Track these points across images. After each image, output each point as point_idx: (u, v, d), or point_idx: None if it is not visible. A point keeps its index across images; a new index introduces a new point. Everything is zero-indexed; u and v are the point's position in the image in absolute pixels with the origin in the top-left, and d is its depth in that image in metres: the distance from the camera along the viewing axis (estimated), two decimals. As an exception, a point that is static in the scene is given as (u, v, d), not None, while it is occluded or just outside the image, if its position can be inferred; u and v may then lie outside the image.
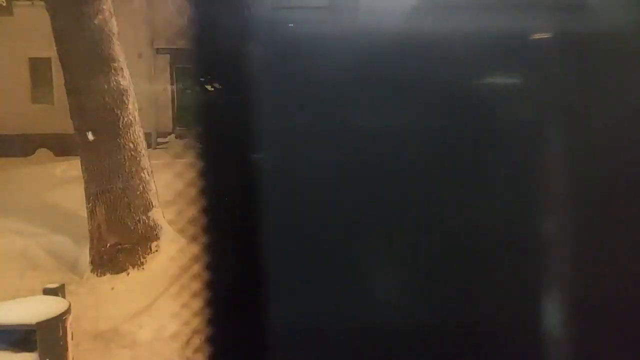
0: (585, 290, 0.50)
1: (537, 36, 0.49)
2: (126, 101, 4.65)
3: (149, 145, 5.30)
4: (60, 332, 2.55)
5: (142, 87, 8.63)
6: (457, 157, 0.50)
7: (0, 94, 10.64)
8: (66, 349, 2.59)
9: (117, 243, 4.56)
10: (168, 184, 6.02)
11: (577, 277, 0.50)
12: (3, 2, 6.48)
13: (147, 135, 5.19)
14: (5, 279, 4.30)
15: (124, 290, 4.34)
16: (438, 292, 0.51)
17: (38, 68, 11.40)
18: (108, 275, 4.51)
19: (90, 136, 4.54)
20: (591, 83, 0.50)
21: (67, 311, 2.63)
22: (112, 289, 4.37)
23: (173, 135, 11.82)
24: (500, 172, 0.51)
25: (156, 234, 4.73)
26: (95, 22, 4.49)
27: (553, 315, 0.49)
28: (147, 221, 4.69)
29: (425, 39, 0.50)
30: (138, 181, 4.68)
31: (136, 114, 4.76)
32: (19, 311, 2.60)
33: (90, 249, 4.63)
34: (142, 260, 4.60)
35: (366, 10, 0.56)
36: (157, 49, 11.49)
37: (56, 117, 10.30)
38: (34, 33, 9.31)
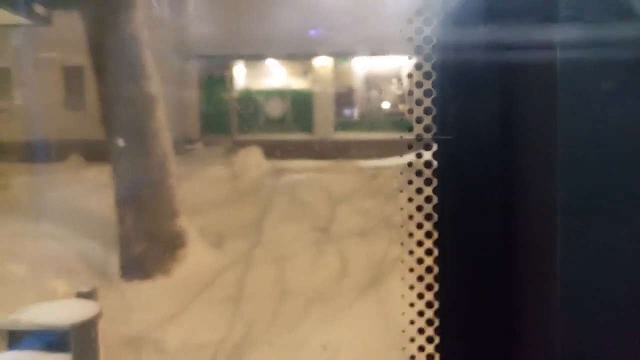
0: None
1: None
2: (155, 108, 4.73)
3: (176, 152, 5.39)
4: (93, 334, 2.59)
5: (171, 94, 8.80)
6: None
7: (36, 101, 11.03)
8: (97, 351, 2.63)
9: (145, 249, 4.62)
10: (198, 190, 6.09)
11: None
12: (42, 11, 6.71)
13: (175, 142, 5.28)
14: (39, 282, 4.41)
15: (151, 296, 4.39)
16: None
17: (71, 76, 11.79)
18: (136, 281, 4.57)
19: (121, 142, 4.63)
20: None
21: (99, 314, 2.68)
22: (140, 294, 4.43)
23: (200, 142, 12.01)
24: None
25: (182, 241, 4.78)
26: (127, 30, 4.59)
27: None
28: (174, 228, 4.74)
29: None
30: (166, 187, 4.74)
31: (164, 120, 4.84)
32: (54, 313, 2.65)
33: (120, 254, 4.71)
34: (168, 266, 4.65)
35: None
36: (186, 57, 11.72)
37: (88, 123, 10.60)
38: (69, 42, 9.63)
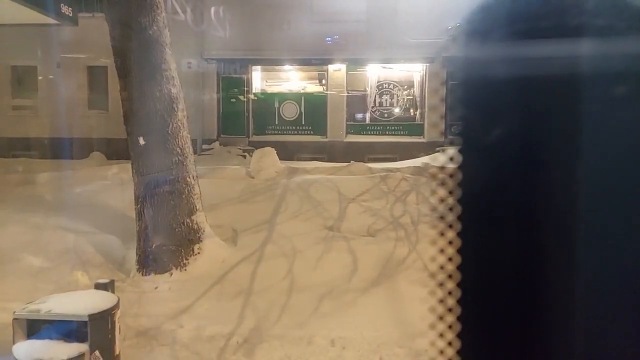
0: None
1: None
2: (176, 108, 4.83)
3: (194, 151, 5.47)
4: (110, 325, 2.66)
5: (191, 95, 8.94)
6: None
7: (62, 100, 11.32)
8: (114, 342, 2.70)
9: (162, 244, 4.72)
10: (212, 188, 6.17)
11: None
12: (69, 12, 6.89)
13: (193, 142, 5.38)
14: (58, 273, 4.54)
15: (167, 290, 4.48)
16: None
17: (95, 76, 12.06)
18: (152, 275, 4.67)
19: (141, 141, 4.72)
20: None
21: (116, 306, 2.75)
22: (156, 288, 4.52)
23: (217, 142, 12.16)
24: None
25: (199, 237, 4.86)
26: (150, 32, 4.70)
27: None
28: (190, 224, 4.83)
29: None
30: (184, 185, 4.84)
31: (184, 120, 4.93)
32: (73, 304, 2.73)
33: (137, 248, 4.81)
34: (185, 261, 4.74)
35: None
36: (206, 59, 11.90)
37: (110, 122, 10.84)
38: (93, 43, 9.88)
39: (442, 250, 0.57)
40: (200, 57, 11.75)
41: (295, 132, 12.52)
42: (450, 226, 0.57)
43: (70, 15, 7.85)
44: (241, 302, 4.13)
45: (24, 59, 11.93)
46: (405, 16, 10.77)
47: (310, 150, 11.92)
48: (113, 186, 6.95)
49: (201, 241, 4.85)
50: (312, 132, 12.52)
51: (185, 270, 4.71)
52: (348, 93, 12.43)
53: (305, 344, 3.60)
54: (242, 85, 12.54)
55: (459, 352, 0.57)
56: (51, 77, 12.02)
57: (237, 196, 6.42)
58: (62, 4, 7.74)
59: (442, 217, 0.57)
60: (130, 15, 4.68)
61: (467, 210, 0.56)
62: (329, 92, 12.43)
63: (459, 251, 0.56)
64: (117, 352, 2.73)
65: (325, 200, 6.07)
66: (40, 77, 12.25)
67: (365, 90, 12.56)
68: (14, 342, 2.61)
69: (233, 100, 12.53)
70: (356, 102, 12.55)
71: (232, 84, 12.53)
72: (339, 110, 12.38)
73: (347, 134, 12.40)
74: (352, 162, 8.71)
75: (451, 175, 0.57)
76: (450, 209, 0.57)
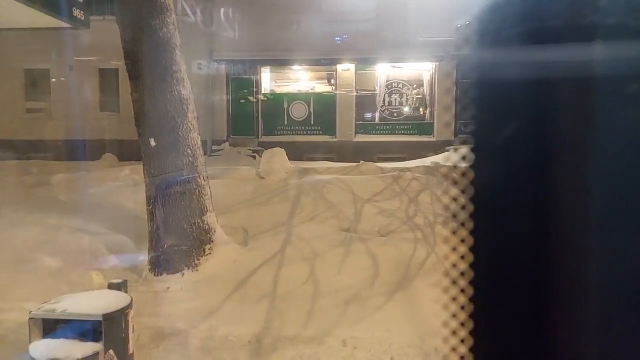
0: None
1: None
2: (186, 110, 4.86)
3: (205, 153, 5.51)
4: (124, 325, 2.69)
5: (201, 97, 9.00)
6: None
7: (74, 102, 11.46)
8: (128, 341, 2.73)
9: (174, 245, 4.76)
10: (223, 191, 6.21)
11: None
12: (82, 16, 6.98)
13: (204, 143, 5.40)
14: (72, 273, 4.60)
15: (179, 290, 4.52)
16: None
17: (107, 78, 12.19)
18: (165, 275, 4.71)
19: (153, 142, 4.77)
20: None
21: (130, 306, 2.78)
22: (168, 288, 4.56)
23: (227, 143, 12.22)
24: None
25: (210, 238, 4.89)
26: (161, 35, 4.74)
27: None
28: (202, 225, 4.86)
29: None
30: (195, 186, 4.87)
31: (195, 122, 4.97)
32: (87, 304, 2.76)
33: (149, 249, 4.85)
34: (196, 262, 4.77)
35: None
36: (215, 60, 11.97)
37: (122, 124, 10.96)
38: (104, 46, 9.98)
39: (454, 249, 0.58)
40: (209, 59, 11.82)
41: (305, 132, 12.53)
42: (463, 225, 0.57)
43: (83, 19, 7.94)
44: (253, 303, 4.15)
45: (37, 63, 12.10)
46: (415, 15, 10.74)
47: (320, 150, 11.93)
48: (125, 187, 7.02)
49: (212, 242, 4.88)
50: (321, 132, 12.53)
51: (197, 270, 4.74)
52: (357, 93, 12.41)
53: (318, 344, 3.60)
54: (252, 86, 12.59)
55: (471, 350, 0.57)
56: (64, 80, 12.18)
57: (247, 197, 6.45)
58: (74, 8, 7.83)
59: (454, 216, 0.58)
60: (141, 18, 4.72)
61: (480, 208, 0.56)
62: (338, 92, 12.42)
63: (472, 249, 0.56)
64: (131, 351, 2.76)
65: (339, 202, 6.07)
66: (53, 80, 12.42)
67: (375, 90, 12.53)
68: (30, 342, 2.66)
69: (243, 101, 12.58)
70: (365, 101, 12.54)
71: (242, 85, 12.59)
72: (348, 110, 12.37)
73: (357, 134, 12.39)
74: (362, 162, 8.70)
75: (463, 174, 0.57)
76: (463, 208, 0.57)
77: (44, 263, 4.72)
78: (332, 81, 12.65)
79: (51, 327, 2.69)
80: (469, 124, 0.57)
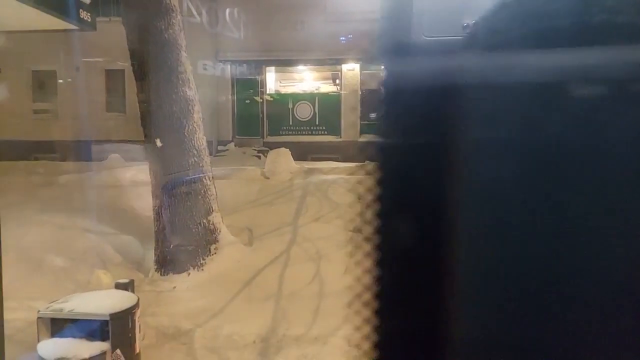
0: None
1: None
2: (191, 110, 4.89)
3: (210, 153, 5.53)
4: (130, 324, 2.72)
5: (206, 97, 9.03)
6: None
7: (80, 103, 11.54)
8: (134, 340, 2.75)
9: (180, 244, 4.78)
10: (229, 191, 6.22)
11: None
12: (88, 17, 7.02)
13: (209, 143, 5.43)
14: (79, 273, 4.64)
15: (185, 290, 4.54)
16: None
17: (112, 79, 12.26)
18: (170, 275, 4.73)
19: (158, 142, 4.80)
20: None
21: (136, 305, 2.80)
22: (174, 287, 4.59)
23: (232, 143, 12.26)
24: None
25: (215, 237, 4.92)
26: (166, 35, 4.76)
27: None
28: (207, 224, 4.89)
29: None
30: (200, 186, 4.89)
31: (200, 122, 4.99)
32: (94, 303, 2.79)
33: (155, 249, 4.88)
34: (202, 261, 4.79)
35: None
36: (220, 60, 12.00)
37: (127, 124, 11.01)
38: (110, 47, 10.04)
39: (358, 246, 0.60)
40: (214, 59, 11.86)
41: (309, 132, 12.54)
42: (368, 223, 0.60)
43: (89, 20, 7.98)
44: (257, 302, 4.16)
45: (44, 64, 12.18)
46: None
47: (324, 150, 11.93)
48: (131, 187, 7.06)
49: (218, 241, 4.90)
50: (326, 132, 12.53)
51: (203, 270, 4.76)
52: (362, 92, 12.40)
53: (322, 344, 3.61)
54: (256, 86, 12.61)
55: (375, 345, 0.60)
56: (70, 80, 12.26)
57: (252, 197, 6.46)
58: (80, 9, 7.88)
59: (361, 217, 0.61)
60: (146, 19, 4.75)
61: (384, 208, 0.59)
62: (342, 92, 12.42)
63: (377, 248, 0.59)
64: (137, 350, 2.78)
65: (344, 202, 6.06)
66: (60, 81, 12.50)
67: (380, 90, 12.50)
68: (38, 340, 2.68)
69: (247, 101, 12.61)
70: (370, 101, 12.51)
71: (247, 85, 12.61)
72: (353, 110, 12.36)
73: (361, 134, 12.38)
74: (367, 162, 8.68)
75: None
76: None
77: (51, 262, 4.76)
78: (337, 81, 12.65)
79: (59, 326, 2.72)
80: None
